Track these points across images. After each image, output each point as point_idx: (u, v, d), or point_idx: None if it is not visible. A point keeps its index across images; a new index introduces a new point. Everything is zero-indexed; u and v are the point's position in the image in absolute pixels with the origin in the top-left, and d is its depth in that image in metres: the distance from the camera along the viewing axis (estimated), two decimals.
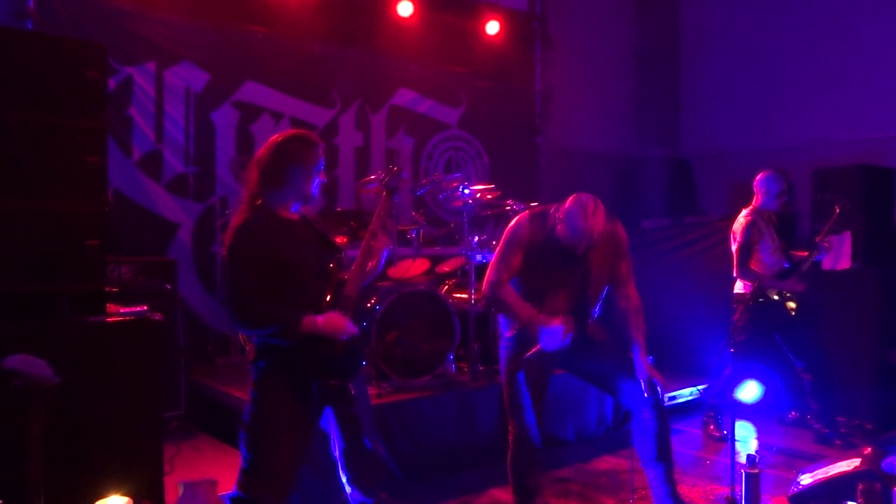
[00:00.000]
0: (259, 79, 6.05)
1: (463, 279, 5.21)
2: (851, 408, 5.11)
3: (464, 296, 4.97)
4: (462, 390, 4.53)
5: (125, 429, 2.94)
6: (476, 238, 4.94)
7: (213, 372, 5.13)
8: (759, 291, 4.63)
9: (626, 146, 8.45)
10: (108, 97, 4.21)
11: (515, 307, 3.15)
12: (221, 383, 4.64)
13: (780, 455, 4.65)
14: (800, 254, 4.89)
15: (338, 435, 2.70)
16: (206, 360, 5.31)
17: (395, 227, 5.04)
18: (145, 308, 3.16)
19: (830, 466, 3.43)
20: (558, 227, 3.12)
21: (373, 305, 4.43)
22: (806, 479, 3.50)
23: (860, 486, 3.07)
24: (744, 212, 4.85)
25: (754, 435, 5.12)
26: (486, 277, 3.24)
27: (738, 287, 4.83)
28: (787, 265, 4.77)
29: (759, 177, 4.86)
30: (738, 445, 4.68)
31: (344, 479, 2.73)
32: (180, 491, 3.16)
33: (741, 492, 3.21)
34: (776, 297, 4.70)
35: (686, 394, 5.69)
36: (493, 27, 7.31)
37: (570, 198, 3.11)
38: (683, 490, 3.88)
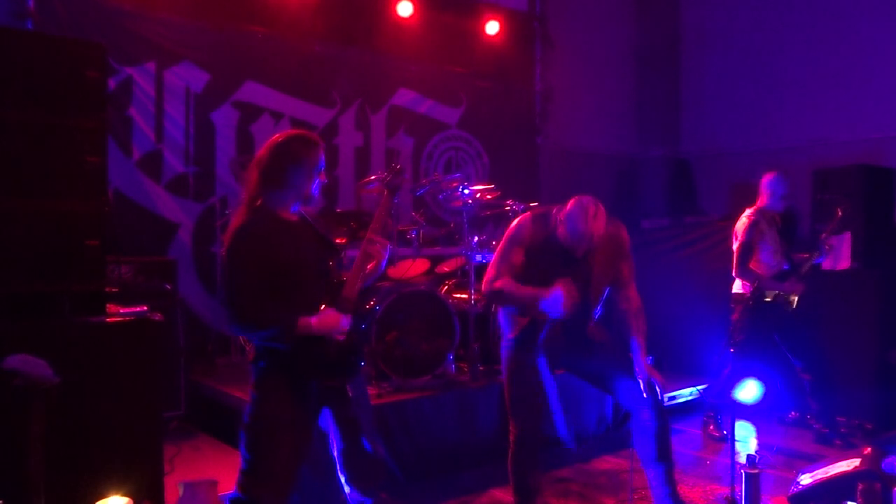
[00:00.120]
0: (259, 79, 6.05)
1: (463, 279, 5.21)
2: (851, 408, 5.10)
3: (464, 296, 4.97)
4: (462, 390, 4.52)
5: (125, 429, 2.94)
6: (476, 238, 4.94)
7: (213, 372, 5.13)
8: (758, 292, 4.63)
9: (626, 146, 8.45)
10: (108, 97, 4.20)
11: (515, 292, 3.14)
12: (221, 383, 4.64)
13: (779, 455, 4.65)
14: (800, 256, 4.89)
15: (336, 435, 2.70)
16: (206, 360, 5.32)
17: (395, 227, 5.04)
18: (145, 308, 3.16)
19: (830, 466, 3.43)
20: (559, 228, 3.13)
21: (373, 306, 4.43)
22: (806, 479, 3.50)
23: (860, 486, 3.06)
24: (747, 211, 4.84)
25: (754, 435, 5.11)
26: (485, 276, 3.24)
27: (737, 287, 4.82)
28: (786, 267, 4.77)
29: (766, 177, 4.84)
30: (737, 445, 4.67)
31: (342, 479, 2.73)
32: (180, 491, 3.16)
33: (741, 492, 3.21)
34: (768, 300, 4.68)
35: (686, 394, 5.69)
36: (492, 27, 7.31)
37: (572, 200, 3.11)
38: (683, 490, 3.88)
